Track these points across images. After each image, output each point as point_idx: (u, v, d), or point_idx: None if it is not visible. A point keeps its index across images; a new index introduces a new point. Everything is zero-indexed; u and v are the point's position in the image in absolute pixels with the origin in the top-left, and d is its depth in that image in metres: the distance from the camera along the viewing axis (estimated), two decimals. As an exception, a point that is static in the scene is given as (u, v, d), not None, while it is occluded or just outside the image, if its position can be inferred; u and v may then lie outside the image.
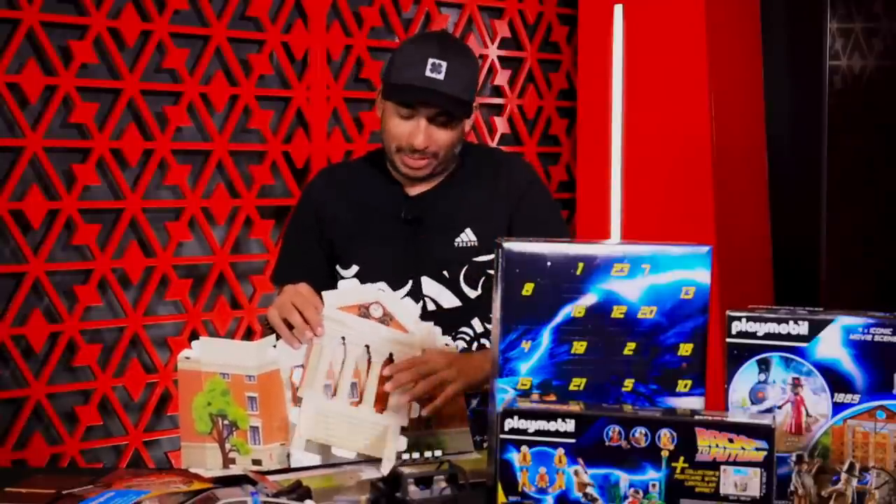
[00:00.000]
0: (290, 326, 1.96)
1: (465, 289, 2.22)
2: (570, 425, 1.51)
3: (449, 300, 2.21)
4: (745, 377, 1.60)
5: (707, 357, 1.63)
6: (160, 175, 3.28)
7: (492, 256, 2.21)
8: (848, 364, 1.57)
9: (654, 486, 1.49)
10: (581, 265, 1.62)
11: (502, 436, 1.52)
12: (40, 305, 3.10)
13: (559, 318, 1.62)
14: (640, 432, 1.49)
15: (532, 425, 1.51)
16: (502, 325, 1.62)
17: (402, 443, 1.88)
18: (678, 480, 1.49)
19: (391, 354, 1.94)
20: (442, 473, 1.64)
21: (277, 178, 3.52)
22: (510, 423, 1.52)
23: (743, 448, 1.48)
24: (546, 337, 1.62)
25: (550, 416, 1.51)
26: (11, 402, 3.06)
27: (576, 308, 1.62)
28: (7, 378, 3.06)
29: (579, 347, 1.62)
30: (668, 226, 3.73)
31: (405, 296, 2.22)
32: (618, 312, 1.62)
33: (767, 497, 1.48)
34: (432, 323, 2.02)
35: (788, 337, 1.58)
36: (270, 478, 1.77)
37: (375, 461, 1.88)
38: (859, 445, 1.57)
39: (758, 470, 1.48)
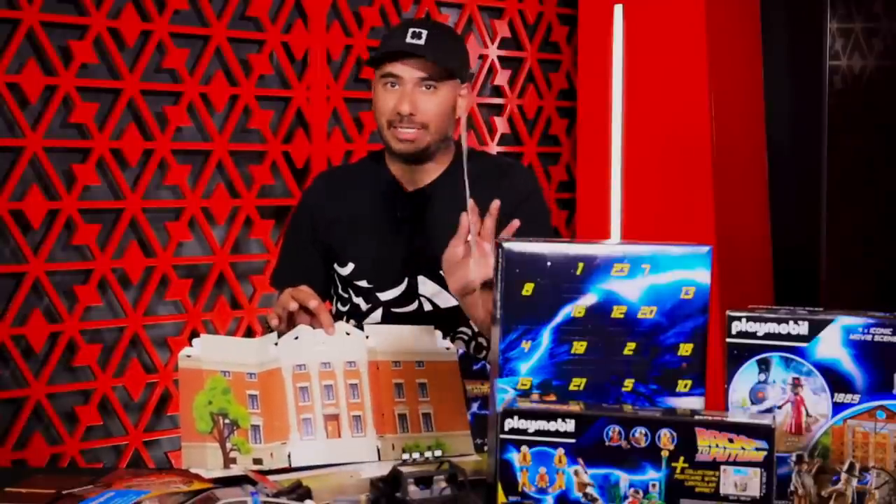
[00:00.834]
0: (289, 317, 1.97)
1: None
2: (570, 425, 1.51)
3: (446, 300, 2.21)
4: (745, 377, 1.60)
5: (707, 357, 1.63)
6: (160, 175, 3.29)
7: None
8: (848, 364, 1.57)
9: (654, 486, 1.49)
10: (581, 265, 1.62)
11: (502, 436, 1.52)
12: (40, 305, 3.10)
13: (559, 318, 1.62)
14: (640, 432, 1.49)
15: (532, 425, 1.51)
16: (502, 325, 1.62)
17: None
18: (678, 480, 1.49)
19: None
20: (442, 473, 1.64)
21: (277, 178, 3.52)
22: (510, 423, 1.52)
23: (743, 448, 1.48)
24: (546, 337, 1.62)
25: (550, 416, 1.51)
26: (11, 402, 3.06)
27: (576, 308, 1.62)
28: (7, 378, 3.06)
29: (579, 347, 1.62)
30: (668, 226, 3.73)
31: (399, 295, 2.23)
32: (618, 312, 1.62)
33: (767, 497, 1.48)
34: (432, 326, 2.01)
35: (788, 337, 1.58)
36: (270, 478, 1.77)
37: (375, 460, 1.88)
38: (859, 445, 1.57)
39: (758, 470, 1.48)
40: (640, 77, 3.83)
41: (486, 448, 1.88)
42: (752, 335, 1.60)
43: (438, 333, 2.01)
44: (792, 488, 1.56)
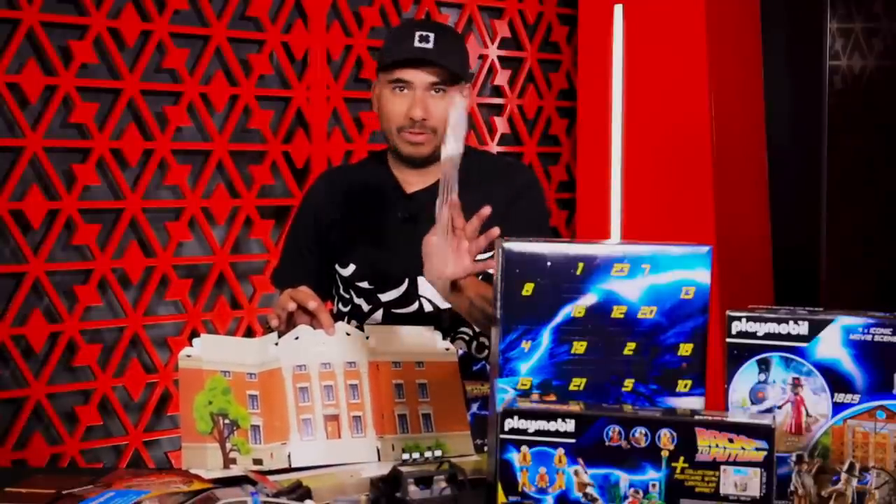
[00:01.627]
0: (289, 318, 1.97)
1: None
2: (570, 425, 1.50)
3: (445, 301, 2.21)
4: (745, 377, 1.60)
5: (707, 357, 1.63)
6: (160, 175, 3.29)
7: (488, 255, 2.21)
8: (848, 364, 1.57)
9: (654, 486, 1.49)
10: (581, 265, 1.62)
11: (502, 436, 1.52)
12: (40, 305, 3.10)
13: (559, 318, 1.62)
14: (640, 432, 1.49)
15: (532, 425, 1.51)
16: (502, 325, 1.62)
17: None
18: (678, 480, 1.49)
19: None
20: (442, 473, 1.64)
21: (277, 178, 3.52)
22: (510, 423, 1.51)
23: (743, 448, 1.48)
24: (546, 337, 1.62)
25: (550, 416, 1.51)
26: (11, 402, 3.06)
27: (576, 308, 1.62)
28: (7, 378, 3.06)
29: (579, 347, 1.62)
30: (668, 226, 3.73)
31: (400, 296, 2.22)
32: (618, 312, 1.62)
33: (767, 497, 1.48)
34: (432, 327, 2.02)
35: (788, 337, 1.58)
36: (270, 478, 1.77)
37: (375, 460, 1.88)
38: (859, 445, 1.57)
39: (758, 470, 1.48)
40: (640, 77, 3.83)
41: (486, 448, 1.88)
42: (752, 335, 1.59)
43: (438, 334, 2.01)
44: (792, 488, 1.56)
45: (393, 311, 2.25)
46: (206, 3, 3.32)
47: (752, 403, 1.60)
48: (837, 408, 1.58)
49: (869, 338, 1.56)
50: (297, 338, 1.95)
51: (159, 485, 1.72)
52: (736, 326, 1.60)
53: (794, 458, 1.57)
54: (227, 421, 1.88)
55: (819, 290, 3.93)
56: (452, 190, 1.94)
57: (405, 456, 1.87)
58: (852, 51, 4.09)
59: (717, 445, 1.48)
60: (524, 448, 1.51)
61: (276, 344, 1.94)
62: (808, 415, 1.58)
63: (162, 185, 3.30)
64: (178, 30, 3.28)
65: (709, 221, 3.67)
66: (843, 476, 1.55)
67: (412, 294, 2.23)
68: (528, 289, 1.61)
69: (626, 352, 1.62)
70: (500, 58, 3.99)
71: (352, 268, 2.27)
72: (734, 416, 1.53)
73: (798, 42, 4.01)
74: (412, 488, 1.61)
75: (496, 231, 1.96)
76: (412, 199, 2.27)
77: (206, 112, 3.35)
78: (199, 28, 3.34)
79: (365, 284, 2.27)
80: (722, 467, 1.48)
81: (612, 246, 1.66)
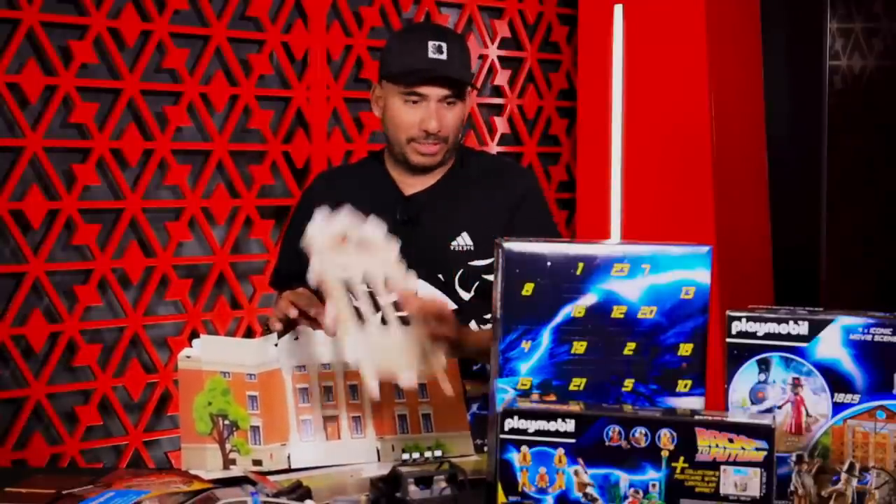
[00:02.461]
0: (289, 322, 1.96)
1: (460, 292, 2.22)
2: (570, 425, 1.51)
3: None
4: (745, 377, 1.60)
5: (707, 357, 1.63)
6: (160, 175, 3.29)
7: (487, 262, 2.22)
8: (848, 364, 1.57)
9: (654, 486, 1.49)
10: (581, 265, 1.62)
11: (502, 436, 1.52)
12: (40, 305, 3.10)
13: (559, 318, 1.62)
14: (640, 432, 1.49)
15: (532, 425, 1.51)
16: (502, 325, 1.62)
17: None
18: (678, 480, 1.49)
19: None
20: (442, 473, 1.64)
21: (277, 178, 3.52)
22: (510, 423, 1.52)
23: (743, 448, 1.48)
24: (546, 337, 1.62)
25: (550, 416, 1.51)
26: (11, 402, 3.06)
27: (576, 308, 1.62)
28: (7, 378, 3.06)
29: (579, 347, 1.62)
30: (668, 226, 3.73)
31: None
32: (618, 312, 1.62)
33: (767, 497, 1.48)
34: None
35: (788, 337, 1.58)
36: (270, 478, 1.77)
37: (375, 461, 1.88)
38: (859, 445, 1.57)
39: (758, 470, 1.48)
40: (640, 77, 3.83)
41: (485, 448, 1.88)
42: (752, 335, 1.60)
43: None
44: (792, 488, 1.56)
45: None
46: (206, 3, 3.32)
47: (752, 403, 1.60)
48: (837, 408, 1.58)
49: (869, 338, 1.56)
50: (296, 338, 1.96)
51: (159, 485, 1.72)
52: (736, 326, 1.60)
53: (794, 458, 1.57)
54: (226, 422, 1.88)
55: (819, 290, 3.93)
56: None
57: (405, 456, 1.87)
58: (852, 51, 4.09)
59: (717, 445, 1.48)
60: (524, 448, 1.51)
61: (276, 345, 1.94)
62: (808, 415, 1.58)
63: (162, 185, 3.30)
64: (178, 30, 3.28)
65: (709, 221, 3.67)
66: (843, 476, 1.55)
67: None
68: (528, 289, 1.62)
69: (626, 352, 1.62)
70: (500, 58, 3.99)
71: None
72: (734, 416, 1.54)
73: (798, 42, 4.01)
74: (412, 488, 1.61)
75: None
76: (410, 201, 2.26)
77: (206, 112, 3.35)
78: (199, 28, 3.33)
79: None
80: (722, 467, 1.48)
81: (612, 246, 1.66)
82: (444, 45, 2.15)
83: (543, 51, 4.10)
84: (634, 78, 3.84)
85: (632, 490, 1.50)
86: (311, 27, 3.53)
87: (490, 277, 2.20)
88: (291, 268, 2.33)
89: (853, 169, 4.09)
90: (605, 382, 1.63)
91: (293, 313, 1.93)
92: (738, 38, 3.88)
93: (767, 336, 1.59)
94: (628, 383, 1.63)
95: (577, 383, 1.62)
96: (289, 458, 1.88)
